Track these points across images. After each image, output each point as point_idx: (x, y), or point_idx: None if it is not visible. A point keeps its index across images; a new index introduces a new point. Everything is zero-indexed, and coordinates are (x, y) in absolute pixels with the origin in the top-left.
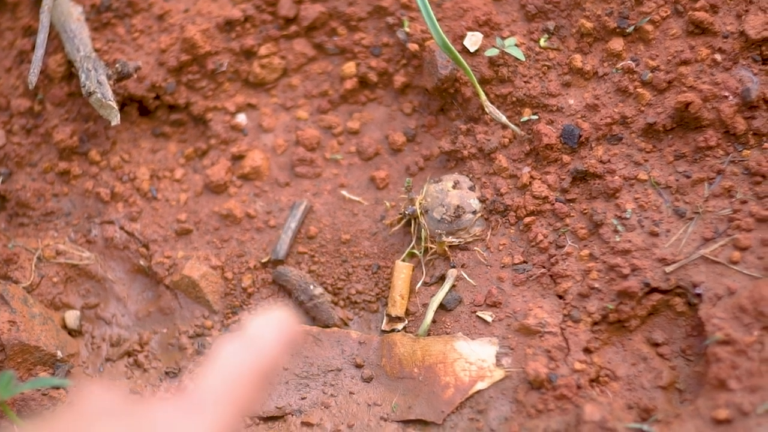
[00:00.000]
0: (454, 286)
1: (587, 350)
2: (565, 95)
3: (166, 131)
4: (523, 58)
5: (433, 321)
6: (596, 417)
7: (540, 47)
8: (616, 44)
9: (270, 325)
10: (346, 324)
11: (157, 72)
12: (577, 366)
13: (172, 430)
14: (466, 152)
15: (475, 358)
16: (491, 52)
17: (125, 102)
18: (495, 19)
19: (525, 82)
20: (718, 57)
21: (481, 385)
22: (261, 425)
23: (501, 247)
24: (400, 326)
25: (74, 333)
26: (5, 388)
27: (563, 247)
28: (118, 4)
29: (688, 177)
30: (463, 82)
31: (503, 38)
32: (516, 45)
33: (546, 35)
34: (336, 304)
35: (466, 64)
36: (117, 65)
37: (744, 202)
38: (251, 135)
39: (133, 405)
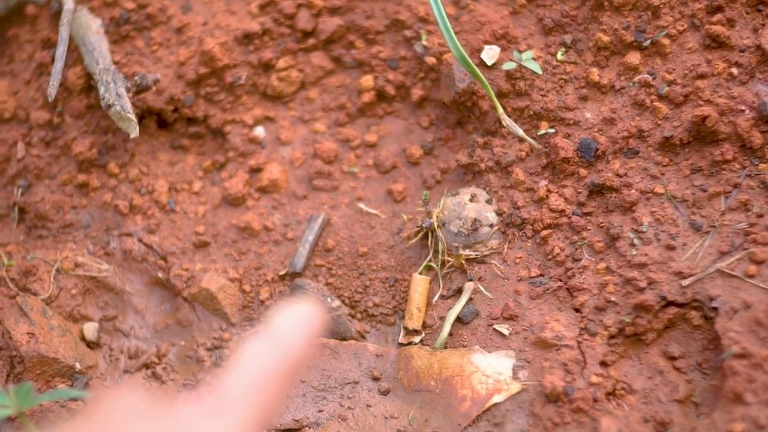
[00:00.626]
0: (470, 299)
1: (604, 363)
2: (581, 109)
3: (184, 144)
4: (540, 72)
5: (450, 334)
6: (613, 430)
7: (557, 61)
8: (633, 58)
9: (295, 319)
10: (363, 337)
11: (176, 85)
12: (594, 379)
13: (197, 429)
14: (483, 165)
15: (492, 371)
16: (508, 66)
17: (144, 114)
18: (512, 33)
19: (542, 95)
20: (734, 71)
21: (497, 398)
22: None
23: (518, 261)
24: (417, 339)
25: (92, 345)
26: (24, 400)
27: (580, 260)
28: (137, 17)
29: (704, 191)
30: (480, 96)
31: (520, 52)
32: (533, 58)
33: (563, 49)
34: (353, 316)
35: (483, 78)
36: (136, 78)
37: (760, 215)
38: (269, 148)
39: (157, 406)
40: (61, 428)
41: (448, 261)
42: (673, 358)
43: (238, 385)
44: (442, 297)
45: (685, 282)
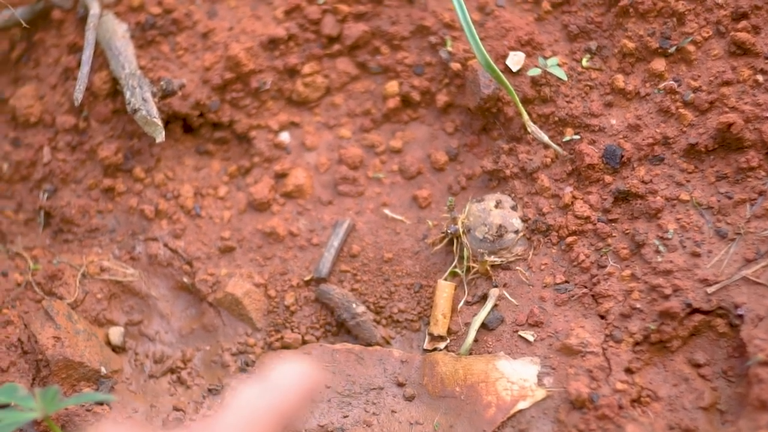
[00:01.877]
0: (496, 305)
1: (629, 370)
2: (607, 115)
3: (209, 149)
4: (565, 78)
5: (475, 340)
6: None
7: (582, 67)
8: (658, 64)
9: (292, 375)
10: (388, 342)
11: (202, 90)
12: (619, 386)
13: None
14: (508, 172)
15: (517, 377)
16: (534, 72)
17: (169, 119)
18: (537, 39)
19: (567, 102)
20: (760, 78)
21: (522, 405)
22: None
23: (543, 267)
24: (442, 345)
25: (118, 349)
26: (50, 403)
27: (605, 267)
28: (163, 21)
29: (729, 198)
30: (505, 102)
31: (545, 58)
32: (558, 65)
33: (588, 55)
34: (378, 322)
35: (508, 84)
36: (162, 83)
37: None
38: (294, 153)
39: None
40: None
41: (473, 267)
42: (698, 366)
43: (228, 423)
44: (467, 303)
45: (710, 289)
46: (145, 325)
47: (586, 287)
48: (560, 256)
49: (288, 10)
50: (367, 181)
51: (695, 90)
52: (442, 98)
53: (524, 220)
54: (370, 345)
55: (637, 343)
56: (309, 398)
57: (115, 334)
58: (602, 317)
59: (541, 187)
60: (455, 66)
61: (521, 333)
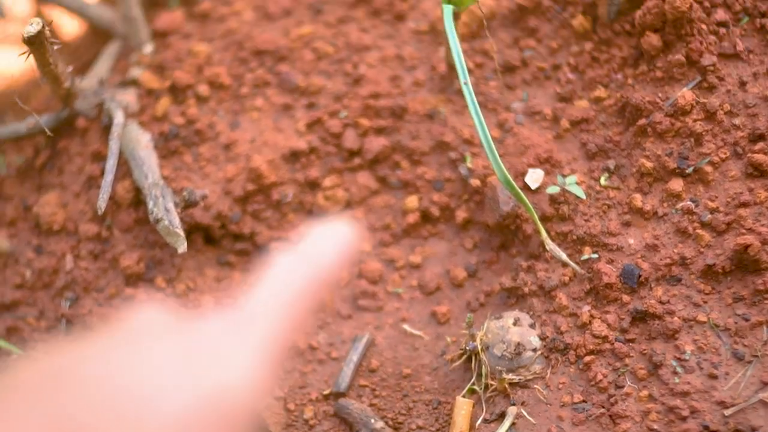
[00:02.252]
0: (513, 423)
1: None
2: (625, 234)
3: (230, 260)
4: (583, 197)
5: None
6: None
7: (600, 186)
8: (676, 185)
9: (330, 238)
10: None
11: (223, 201)
12: None
13: (220, 343)
14: (526, 289)
15: None
16: (552, 190)
17: (191, 230)
18: (556, 157)
19: (585, 220)
20: None
21: None
22: None
23: (561, 386)
24: None
25: None
26: None
27: (623, 387)
28: (186, 132)
29: (746, 320)
30: (524, 219)
31: (564, 176)
32: (577, 183)
33: (606, 174)
34: None
35: (527, 201)
36: (184, 193)
37: None
38: None
39: (181, 320)
40: (85, 341)
41: (492, 385)
42: None
43: (263, 299)
44: (485, 421)
45: (727, 412)
46: None
47: (603, 407)
48: (578, 375)
49: (310, 123)
50: (387, 295)
51: (712, 211)
52: (461, 214)
53: (542, 338)
54: None
55: None
56: (347, 260)
57: None
58: None
59: (559, 305)
60: (474, 182)
61: None
